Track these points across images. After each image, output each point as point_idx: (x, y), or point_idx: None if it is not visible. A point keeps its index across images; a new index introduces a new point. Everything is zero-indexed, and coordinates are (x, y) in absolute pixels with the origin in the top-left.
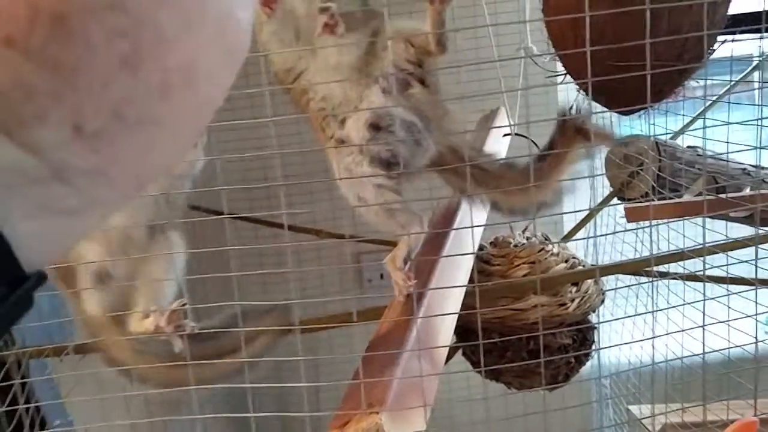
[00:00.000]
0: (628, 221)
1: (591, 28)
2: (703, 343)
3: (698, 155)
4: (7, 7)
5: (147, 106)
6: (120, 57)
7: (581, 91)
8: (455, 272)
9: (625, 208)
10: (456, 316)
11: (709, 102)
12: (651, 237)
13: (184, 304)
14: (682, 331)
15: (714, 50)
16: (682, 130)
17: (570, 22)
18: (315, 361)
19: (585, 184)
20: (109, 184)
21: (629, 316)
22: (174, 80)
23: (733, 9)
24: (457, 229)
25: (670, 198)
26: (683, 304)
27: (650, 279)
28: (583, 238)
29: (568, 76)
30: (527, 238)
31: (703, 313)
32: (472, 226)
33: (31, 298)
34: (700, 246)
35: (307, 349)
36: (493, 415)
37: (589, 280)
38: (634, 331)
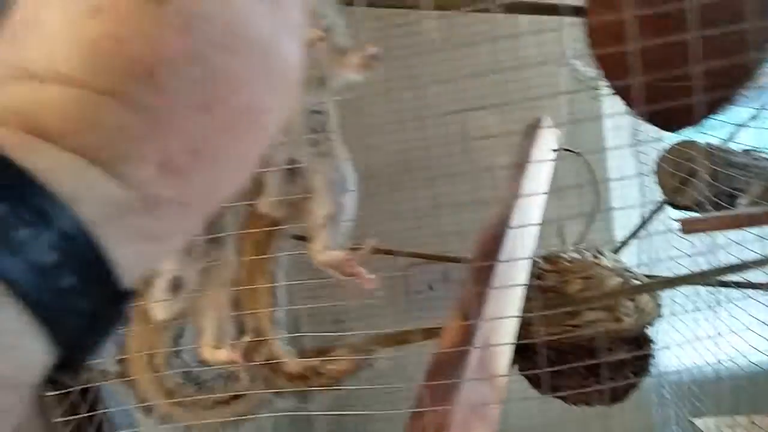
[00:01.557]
0: (684, 233)
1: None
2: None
3: (755, 159)
4: (108, 62)
5: (219, 143)
6: (199, 102)
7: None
8: (510, 290)
9: (681, 220)
10: (514, 337)
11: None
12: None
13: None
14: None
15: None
16: (731, 137)
17: (614, 43)
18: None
19: (635, 189)
20: (187, 213)
21: (683, 342)
22: (243, 120)
23: None
24: (505, 261)
25: (724, 207)
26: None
27: (711, 292)
28: (638, 262)
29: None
30: (578, 252)
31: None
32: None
33: (123, 313)
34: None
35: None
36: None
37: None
38: (695, 342)
